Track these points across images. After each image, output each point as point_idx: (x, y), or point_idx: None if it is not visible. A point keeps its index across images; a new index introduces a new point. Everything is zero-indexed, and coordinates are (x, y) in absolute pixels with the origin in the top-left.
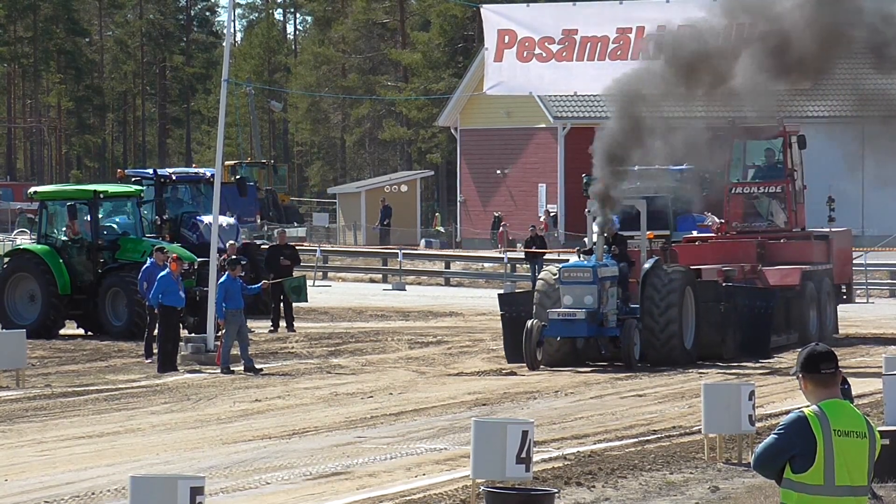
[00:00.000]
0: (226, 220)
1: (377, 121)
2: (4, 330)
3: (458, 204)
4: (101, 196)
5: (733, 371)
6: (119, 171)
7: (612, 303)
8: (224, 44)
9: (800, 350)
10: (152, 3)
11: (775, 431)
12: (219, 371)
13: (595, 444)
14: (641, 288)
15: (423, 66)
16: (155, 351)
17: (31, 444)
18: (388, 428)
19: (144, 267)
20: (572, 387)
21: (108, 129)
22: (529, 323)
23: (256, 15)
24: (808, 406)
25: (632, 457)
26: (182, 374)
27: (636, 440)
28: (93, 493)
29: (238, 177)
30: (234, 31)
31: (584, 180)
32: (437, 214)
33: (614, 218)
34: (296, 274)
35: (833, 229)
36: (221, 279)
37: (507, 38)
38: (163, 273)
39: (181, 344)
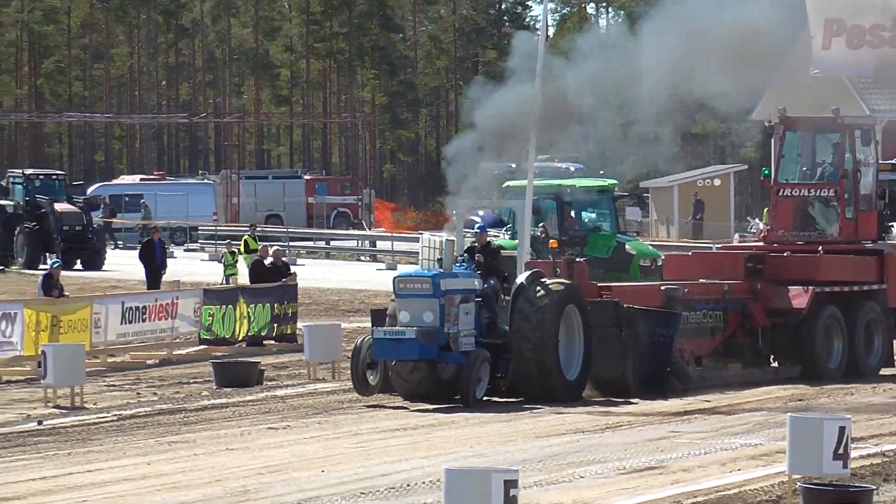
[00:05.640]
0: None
1: (690, 115)
2: (321, 323)
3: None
4: (568, 191)
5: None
6: None
7: (466, 321)
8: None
9: None
10: None
11: None
12: None
13: None
14: (511, 308)
15: None
16: None
17: (347, 436)
18: (702, 423)
19: None
20: (890, 383)
21: (421, 124)
22: (360, 340)
23: (568, 9)
24: None
25: None
26: None
27: None
28: (408, 485)
29: None
30: (547, 25)
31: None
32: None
33: (481, 221)
34: None
35: (890, 242)
36: None
37: (835, 27)
38: None
39: None
